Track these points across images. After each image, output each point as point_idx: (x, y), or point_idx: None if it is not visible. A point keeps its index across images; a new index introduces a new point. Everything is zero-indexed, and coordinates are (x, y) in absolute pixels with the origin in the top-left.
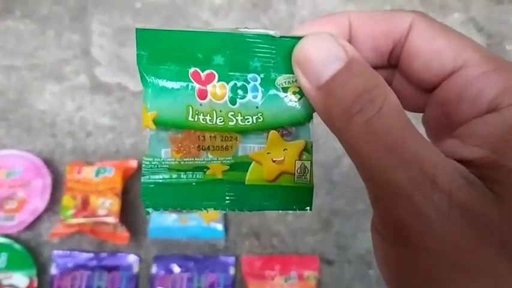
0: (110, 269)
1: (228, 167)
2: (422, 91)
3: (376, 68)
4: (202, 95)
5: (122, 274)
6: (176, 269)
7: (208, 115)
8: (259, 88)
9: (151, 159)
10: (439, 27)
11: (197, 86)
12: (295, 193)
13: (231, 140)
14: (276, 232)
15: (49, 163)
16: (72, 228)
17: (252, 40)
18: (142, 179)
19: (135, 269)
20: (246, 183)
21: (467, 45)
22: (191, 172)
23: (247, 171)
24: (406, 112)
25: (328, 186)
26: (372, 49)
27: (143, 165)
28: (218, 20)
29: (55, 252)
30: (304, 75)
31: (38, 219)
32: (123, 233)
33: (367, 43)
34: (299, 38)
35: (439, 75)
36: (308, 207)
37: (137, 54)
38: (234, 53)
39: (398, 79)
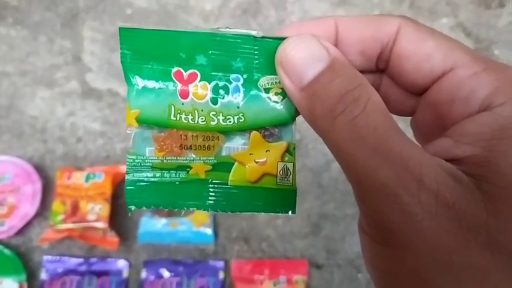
0: (100, 274)
1: (211, 167)
2: (411, 94)
3: (363, 72)
4: (184, 94)
5: (112, 279)
6: (166, 273)
7: (190, 114)
8: (241, 88)
9: (134, 157)
10: (427, 30)
11: (179, 85)
12: (278, 196)
13: (213, 140)
14: (265, 236)
15: (40, 168)
16: (61, 233)
17: (234, 40)
18: (127, 177)
19: (125, 273)
20: (229, 183)
21: (455, 47)
22: (174, 171)
23: (230, 171)
24: (394, 116)
25: (317, 190)
26: (359, 53)
27: (127, 163)
28: (208, 25)
29: (45, 257)
30: (287, 76)
31: (28, 225)
32: (113, 238)
33: (354, 47)
34: (282, 39)
35: (429, 77)
36: (291, 211)
37: (121, 52)
38: (217, 53)
39: (386, 83)
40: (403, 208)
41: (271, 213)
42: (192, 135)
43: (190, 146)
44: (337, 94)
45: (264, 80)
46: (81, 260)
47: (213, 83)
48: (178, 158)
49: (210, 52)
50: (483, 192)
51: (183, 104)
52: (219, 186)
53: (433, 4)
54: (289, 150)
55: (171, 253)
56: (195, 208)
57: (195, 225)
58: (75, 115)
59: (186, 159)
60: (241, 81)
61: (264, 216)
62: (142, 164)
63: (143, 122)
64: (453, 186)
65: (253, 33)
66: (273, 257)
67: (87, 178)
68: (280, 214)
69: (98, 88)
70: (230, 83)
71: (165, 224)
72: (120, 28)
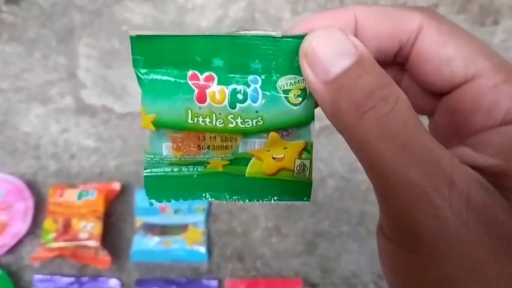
0: None
1: (229, 162)
2: (431, 93)
3: (382, 65)
4: (201, 99)
5: None
6: None
7: (208, 117)
8: (260, 91)
9: (152, 156)
10: (449, 30)
11: (196, 90)
12: (294, 186)
13: (231, 141)
14: (260, 255)
15: (32, 185)
16: (53, 252)
17: (252, 42)
18: (145, 173)
19: None
20: (246, 175)
21: (477, 52)
22: (192, 166)
23: (247, 165)
24: None
25: (312, 208)
26: (376, 49)
27: (145, 161)
28: None
29: (36, 276)
30: (311, 68)
31: (19, 243)
32: (105, 256)
33: (370, 43)
34: (302, 37)
35: (449, 81)
36: (306, 198)
37: (133, 58)
38: (234, 55)
39: (407, 78)
40: (434, 210)
41: (287, 201)
42: (210, 136)
43: (208, 146)
44: (366, 90)
45: (283, 81)
46: (72, 279)
47: (231, 87)
48: (196, 156)
49: (227, 54)
50: (510, 202)
51: (200, 108)
52: (236, 178)
53: None
54: (307, 149)
55: (163, 272)
56: (213, 199)
57: (189, 244)
58: (69, 131)
59: (204, 157)
60: (260, 82)
61: (258, 235)
62: (160, 162)
63: (160, 126)
64: (482, 192)
65: (273, 34)
66: (267, 275)
67: (80, 196)
68: (296, 202)
69: (92, 104)
70: (248, 85)
71: (158, 243)
72: (131, 37)
